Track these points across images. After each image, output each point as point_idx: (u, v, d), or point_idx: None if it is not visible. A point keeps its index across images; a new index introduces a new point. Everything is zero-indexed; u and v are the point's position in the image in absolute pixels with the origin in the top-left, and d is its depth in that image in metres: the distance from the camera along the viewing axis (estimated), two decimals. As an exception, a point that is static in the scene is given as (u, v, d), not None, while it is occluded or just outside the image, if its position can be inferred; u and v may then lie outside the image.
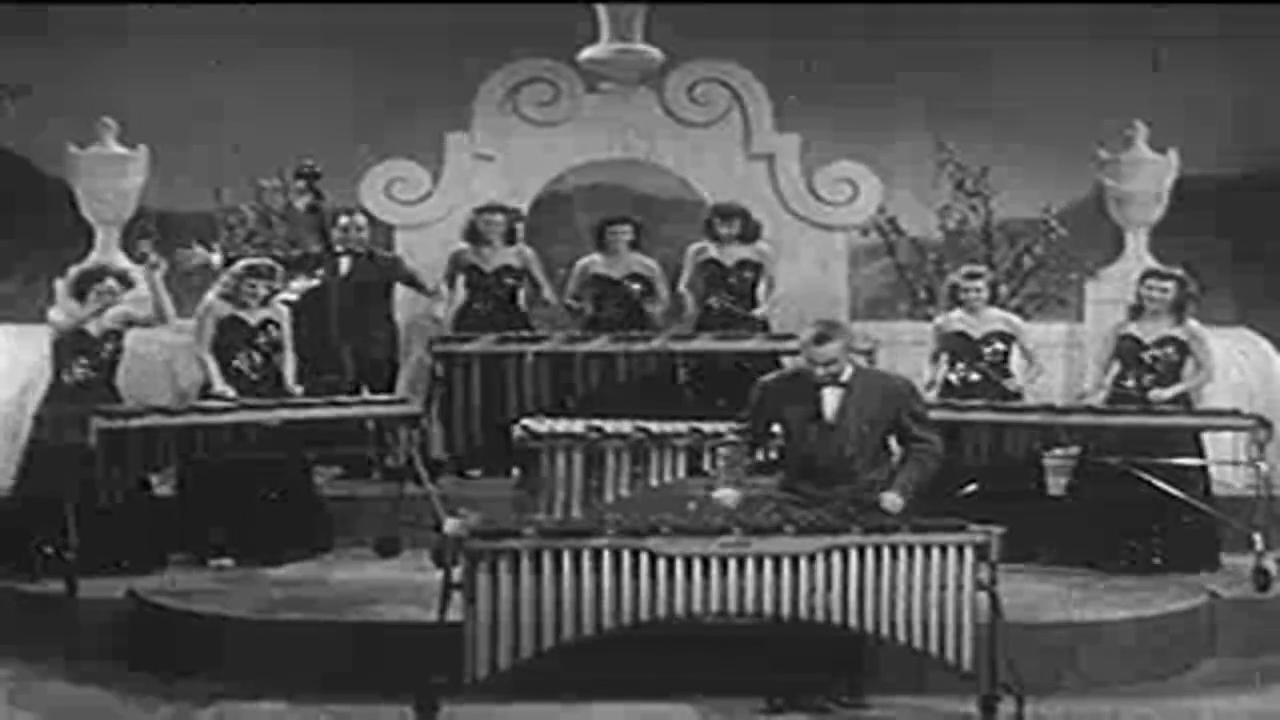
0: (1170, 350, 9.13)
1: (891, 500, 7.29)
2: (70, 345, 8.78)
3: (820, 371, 7.33)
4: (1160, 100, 12.16)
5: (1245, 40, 12.97)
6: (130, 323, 8.91)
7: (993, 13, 12.88)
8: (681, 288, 10.53)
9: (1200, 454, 9.06)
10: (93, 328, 8.79)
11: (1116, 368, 9.24)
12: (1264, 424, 8.80)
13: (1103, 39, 13.06)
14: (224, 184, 12.04)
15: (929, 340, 9.65)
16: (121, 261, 10.10)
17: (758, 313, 10.40)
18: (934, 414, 8.00)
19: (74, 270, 9.08)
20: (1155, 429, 8.94)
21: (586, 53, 11.35)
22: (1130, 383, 9.14)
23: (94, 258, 10.49)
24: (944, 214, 12.04)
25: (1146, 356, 9.13)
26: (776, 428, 7.47)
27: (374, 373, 10.15)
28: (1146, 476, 8.92)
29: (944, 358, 9.47)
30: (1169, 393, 9.03)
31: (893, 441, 7.50)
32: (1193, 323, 9.18)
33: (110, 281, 8.79)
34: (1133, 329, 9.21)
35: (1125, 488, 8.94)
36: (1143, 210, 11.21)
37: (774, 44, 12.36)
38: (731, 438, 7.64)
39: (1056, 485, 9.41)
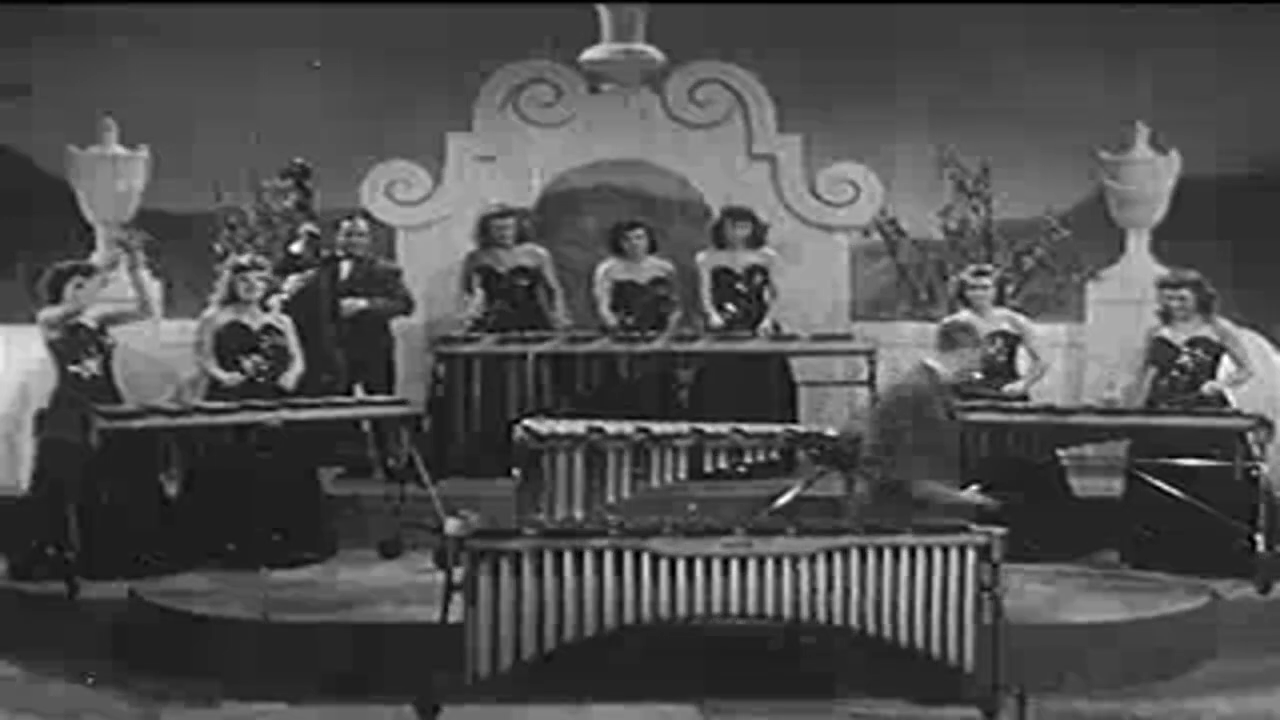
0: (1201, 351, 9.14)
1: None
2: (74, 343, 8.75)
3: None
4: (1160, 100, 12.14)
5: (1245, 40, 12.95)
6: (111, 320, 8.89)
7: (993, 14, 12.86)
8: (705, 301, 10.48)
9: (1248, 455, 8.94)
10: (89, 322, 8.78)
11: (1153, 372, 9.24)
12: (1264, 424, 8.79)
13: (1103, 40, 13.04)
14: (224, 184, 12.01)
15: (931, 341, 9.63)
16: (92, 258, 10.09)
17: (765, 323, 10.39)
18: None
19: (47, 272, 8.93)
20: (1191, 430, 8.91)
21: (588, 54, 11.33)
22: (1166, 385, 9.15)
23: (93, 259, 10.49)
24: (945, 215, 12.02)
25: (1179, 359, 9.14)
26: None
27: (370, 373, 10.14)
28: (1145, 477, 8.96)
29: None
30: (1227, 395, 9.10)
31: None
32: (1223, 321, 9.19)
33: (81, 279, 8.75)
34: (1164, 333, 9.23)
35: (1170, 486, 8.93)
36: (1144, 211, 11.19)
37: (774, 45, 12.34)
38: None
39: (1089, 487, 9.47)
